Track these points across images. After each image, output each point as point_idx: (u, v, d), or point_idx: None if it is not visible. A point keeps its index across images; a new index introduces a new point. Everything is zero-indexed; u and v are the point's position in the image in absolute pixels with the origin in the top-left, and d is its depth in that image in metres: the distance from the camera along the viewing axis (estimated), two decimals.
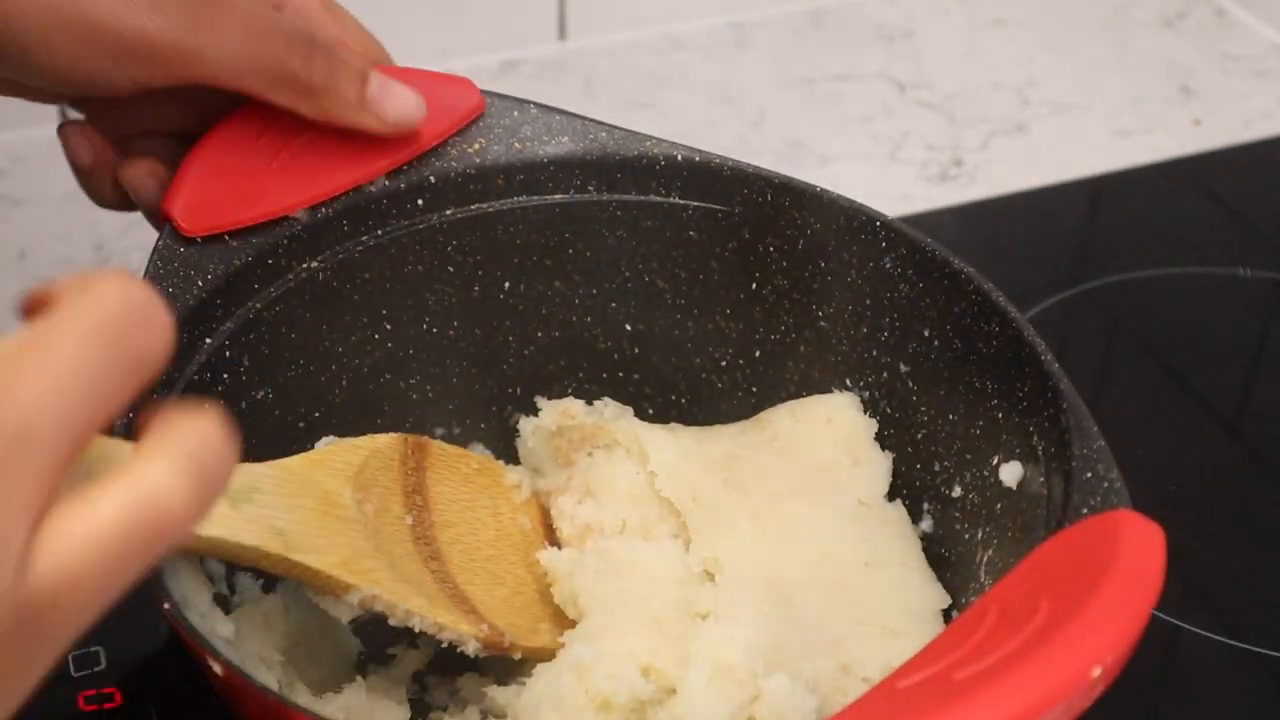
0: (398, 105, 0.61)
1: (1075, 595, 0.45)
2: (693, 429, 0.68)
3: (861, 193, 0.64)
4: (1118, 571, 0.45)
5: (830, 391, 0.67)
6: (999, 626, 0.46)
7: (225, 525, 0.48)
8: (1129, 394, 0.84)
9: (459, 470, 0.62)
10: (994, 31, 1.17)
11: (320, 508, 0.53)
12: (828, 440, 0.66)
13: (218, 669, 0.46)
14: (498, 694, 0.59)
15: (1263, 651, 0.68)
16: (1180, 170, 1.01)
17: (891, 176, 1.00)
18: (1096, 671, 0.42)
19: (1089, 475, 0.52)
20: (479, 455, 0.63)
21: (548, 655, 0.59)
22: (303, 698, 0.56)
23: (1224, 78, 1.12)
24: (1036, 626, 0.44)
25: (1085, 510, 0.50)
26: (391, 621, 0.56)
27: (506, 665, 0.64)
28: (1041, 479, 0.55)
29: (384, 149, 0.63)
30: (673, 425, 0.69)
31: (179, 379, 0.58)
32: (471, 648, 0.57)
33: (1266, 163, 1.03)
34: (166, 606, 0.48)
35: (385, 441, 0.59)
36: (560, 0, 1.11)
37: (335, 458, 0.56)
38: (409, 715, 0.59)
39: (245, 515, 0.49)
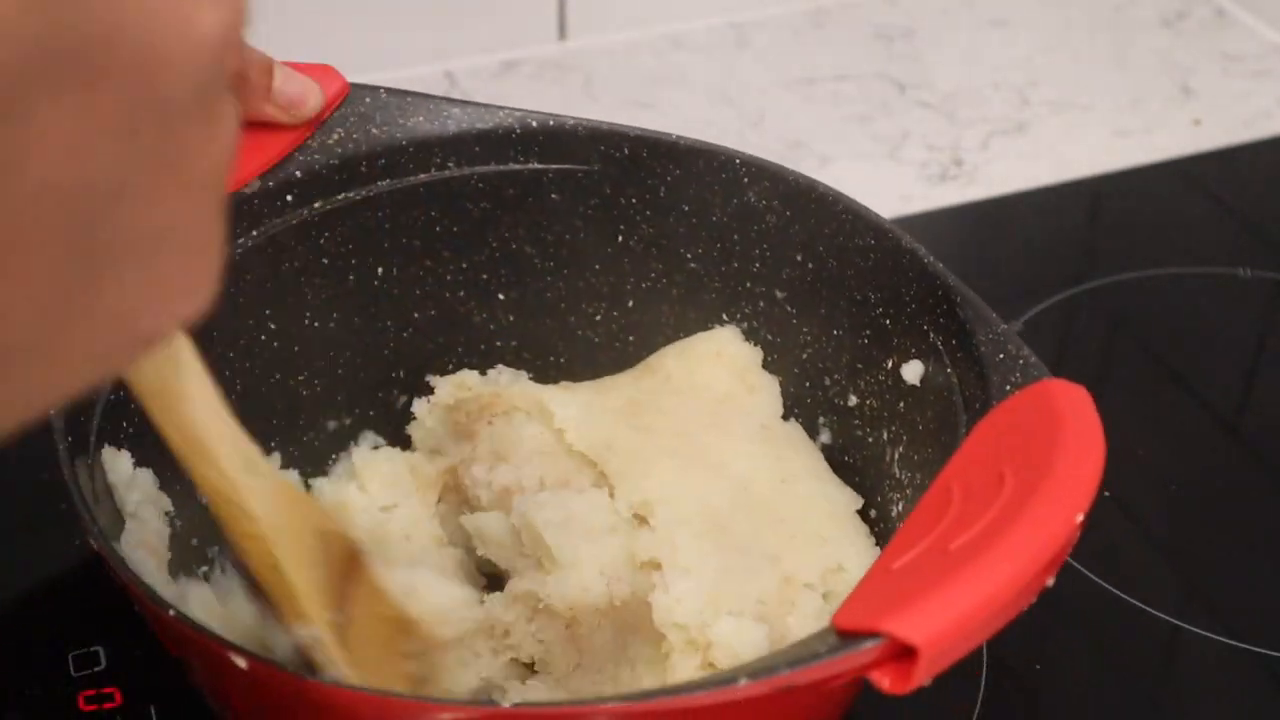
0: (300, 92, 0.61)
1: (1036, 458, 0.49)
2: (586, 384, 0.70)
3: (861, 192, 0.65)
4: (1066, 431, 0.50)
5: (710, 328, 0.70)
6: (969, 500, 0.50)
7: (241, 476, 0.47)
8: (1129, 394, 0.84)
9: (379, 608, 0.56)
10: (994, 31, 1.18)
11: (296, 529, 0.51)
12: (720, 373, 0.69)
13: (242, 663, 0.46)
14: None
15: (1263, 651, 0.69)
16: (1180, 170, 1.02)
17: (891, 176, 1.00)
18: (1079, 518, 0.46)
19: (1001, 356, 0.56)
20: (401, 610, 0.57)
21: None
22: None
23: (1224, 78, 1.13)
24: (1011, 491, 0.48)
25: (1009, 387, 0.55)
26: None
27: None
28: (948, 369, 0.59)
29: (259, 146, 0.63)
30: (564, 384, 0.71)
31: (98, 402, 0.56)
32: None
33: (1266, 163, 1.04)
34: (171, 613, 0.47)
35: (341, 532, 0.55)
36: (560, 0, 1.10)
37: (306, 503, 0.54)
38: None
39: (255, 484, 0.47)
